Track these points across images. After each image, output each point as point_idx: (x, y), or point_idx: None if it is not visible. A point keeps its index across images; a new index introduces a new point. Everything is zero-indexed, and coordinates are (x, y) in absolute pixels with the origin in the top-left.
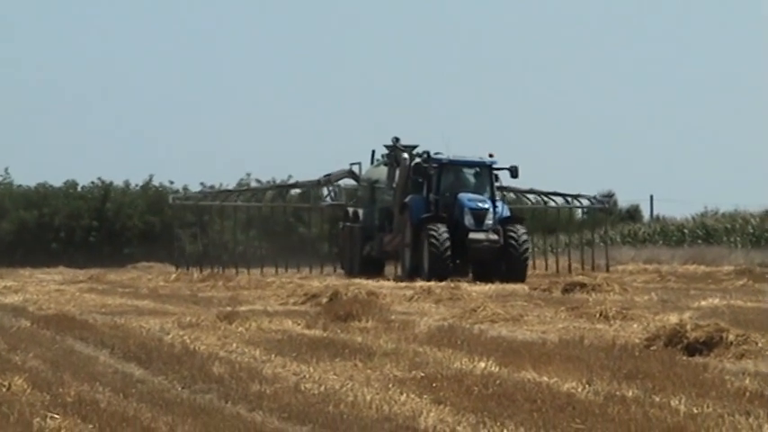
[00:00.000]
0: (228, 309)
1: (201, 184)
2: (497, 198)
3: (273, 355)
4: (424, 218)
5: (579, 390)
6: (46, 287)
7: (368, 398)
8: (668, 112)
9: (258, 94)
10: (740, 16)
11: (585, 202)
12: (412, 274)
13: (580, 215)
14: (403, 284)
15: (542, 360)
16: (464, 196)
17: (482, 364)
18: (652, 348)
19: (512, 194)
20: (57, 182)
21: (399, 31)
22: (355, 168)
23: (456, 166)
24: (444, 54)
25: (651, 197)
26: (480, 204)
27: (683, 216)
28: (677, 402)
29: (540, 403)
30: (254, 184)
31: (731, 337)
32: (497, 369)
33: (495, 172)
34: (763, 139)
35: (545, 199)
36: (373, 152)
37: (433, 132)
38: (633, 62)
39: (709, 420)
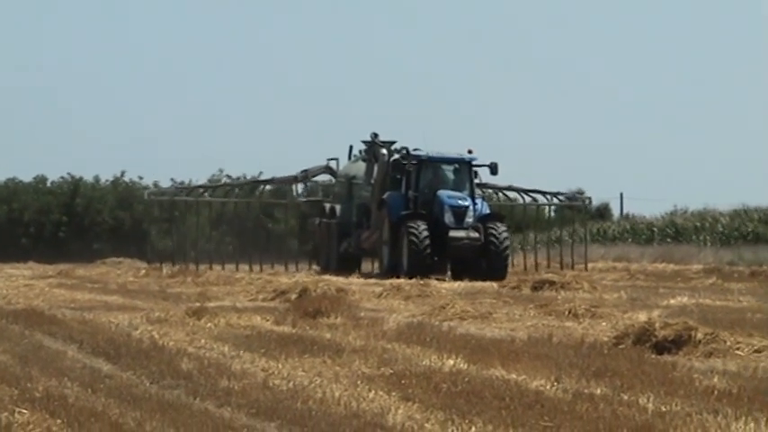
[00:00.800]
0: (197, 305)
1: (172, 180)
2: (477, 195)
3: (242, 351)
4: (404, 215)
5: (548, 387)
6: (15, 282)
7: (336, 394)
8: (638, 110)
9: (229, 90)
10: (709, 18)
11: (561, 200)
12: (390, 271)
13: (554, 213)
14: (372, 281)
15: (511, 357)
16: (444, 193)
17: (451, 362)
18: (621, 346)
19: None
20: (26, 177)
21: (374, 24)
22: (332, 164)
23: (435, 162)
24: (419, 50)
25: (621, 195)
26: (460, 202)
27: (653, 214)
28: (645, 400)
29: (508, 401)
30: (225, 180)
31: (700, 336)
32: (466, 366)
33: (475, 169)
34: (732, 139)
35: (524, 196)
36: (351, 148)
37: (408, 128)
38: (603, 61)
39: (678, 419)
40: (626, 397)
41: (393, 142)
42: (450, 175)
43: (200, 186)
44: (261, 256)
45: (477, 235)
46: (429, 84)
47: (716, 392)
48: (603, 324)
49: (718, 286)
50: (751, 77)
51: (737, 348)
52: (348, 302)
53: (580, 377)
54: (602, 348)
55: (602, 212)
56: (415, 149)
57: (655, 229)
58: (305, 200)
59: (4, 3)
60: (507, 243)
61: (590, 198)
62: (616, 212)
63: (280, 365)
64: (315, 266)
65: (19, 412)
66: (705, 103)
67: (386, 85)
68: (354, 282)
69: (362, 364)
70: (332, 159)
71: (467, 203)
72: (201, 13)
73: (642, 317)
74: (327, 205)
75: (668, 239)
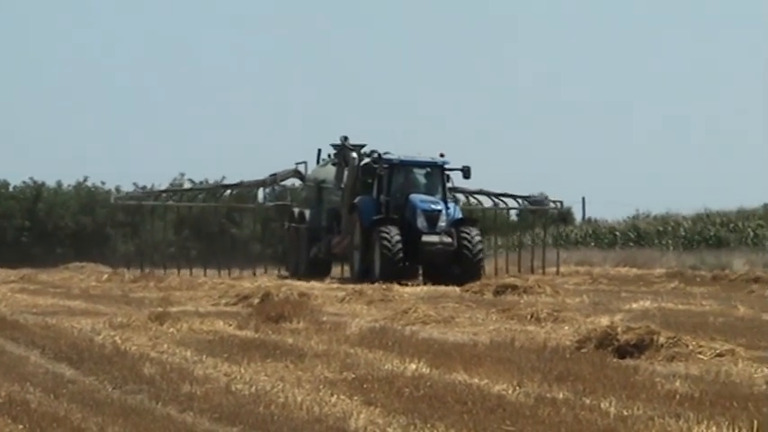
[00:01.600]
0: (160, 309)
1: (134, 184)
2: (449, 199)
3: (204, 356)
4: (376, 219)
5: (510, 392)
6: None
7: (299, 399)
8: (600, 113)
9: (194, 94)
10: (681, 19)
11: (532, 204)
12: (361, 276)
13: (517, 216)
14: (335, 285)
15: (473, 362)
16: (416, 197)
17: (413, 366)
18: (583, 350)
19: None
20: None
21: (339, 26)
22: (301, 168)
23: (407, 166)
24: (377, 53)
25: (583, 199)
26: (433, 206)
27: (615, 218)
28: (607, 404)
29: (470, 405)
30: (187, 185)
31: (662, 340)
32: (428, 371)
33: (447, 172)
34: (694, 142)
35: (495, 200)
36: (319, 151)
37: (374, 131)
38: (563, 62)
39: (639, 423)
40: (588, 401)
41: (363, 145)
42: (423, 179)
43: (166, 190)
44: (224, 260)
45: (450, 240)
46: (385, 85)
47: (678, 396)
48: (566, 328)
49: (680, 290)
50: (712, 83)
51: (699, 352)
52: (311, 307)
53: (542, 381)
54: (564, 353)
55: (565, 216)
56: (385, 153)
57: (617, 233)
58: (273, 204)
59: None
60: (480, 247)
61: (561, 202)
62: (578, 216)
63: (242, 370)
64: (284, 271)
65: None
66: (667, 107)
67: (351, 88)
68: (317, 286)
69: (325, 369)
70: (300, 163)
71: (439, 208)
72: (168, 16)
73: (604, 321)
74: (296, 210)
75: (631, 243)
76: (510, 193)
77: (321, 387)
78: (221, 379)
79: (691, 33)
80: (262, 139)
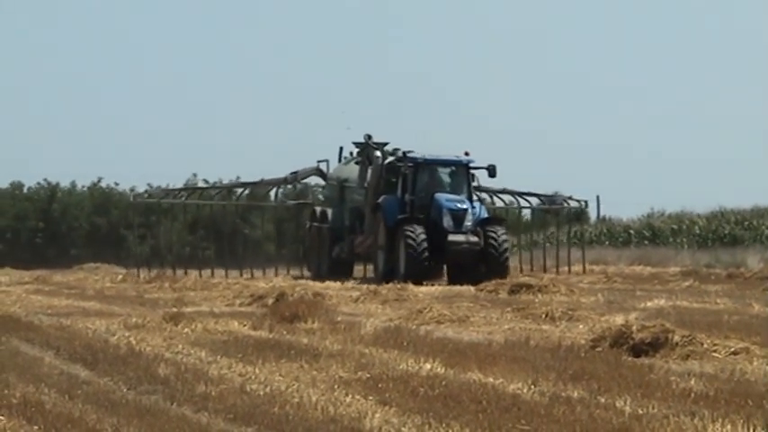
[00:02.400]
0: (174, 310)
1: (149, 184)
2: (474, 198)
3: (219, 357)
4: (400, 219)
5: (525, 390)
6: None
7: (313, 399)
8: (615, 112)
9: (210, 92)
10: (686, 21)
11: (566, 203)
12: (386, 276)
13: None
14: (350, 285)
15: (488, 361)
16: (441, 197)
17: (428, 366)
18: (598, 349)
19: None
20: (3, 183)
21: (364, 23)
22: (323, 166)
23: (432, 165)
24: (402, 51)
25: (597, 198)
26: (459, 205)
27: (630, 217)
28: (622, 403)
29: (485, 404)
30: (201, 185)
31: (677, 338)
32: (443, 370)
33: (472, 171)
34: (709, 141)
35: (519, 200)
36: (341, 149)
37: (393, 129)
38: (579, 62)
39: (655, 421)
40: (603, 400)
41: (385, 144)
42: (447, 178)
43: (183, 189)
44: (239, 261)
45: (476, 239)
46: (412, 84)
47: (693, 395)
48: (580, 327)
49: (695, 288)
50: (727, 80)
51: (714, 351)
52: (325, 307)
53: (557, 380)
54: (579, 351)
55: (579, 215)
56: (408, 151)
57: (632, 231)
58: (295, 203)
59: None
60: (507, 246)
61: (586, 201)
62: (593, 215)
63: (257, 370)
64: (295, 272)
65: None
66: (681, 105)
67: (373, 85)
68: (331, 286)
69: (340, 369)
70: (322, 161)
71: (465, 206)
72: (182, 16)
73: (619, 320)
74: (318, 209)
75: (645, 242)
76: (533, 192)
77: (336, 387)
78: (236, 379)
79: (705, 32)
80: (271, 140)
